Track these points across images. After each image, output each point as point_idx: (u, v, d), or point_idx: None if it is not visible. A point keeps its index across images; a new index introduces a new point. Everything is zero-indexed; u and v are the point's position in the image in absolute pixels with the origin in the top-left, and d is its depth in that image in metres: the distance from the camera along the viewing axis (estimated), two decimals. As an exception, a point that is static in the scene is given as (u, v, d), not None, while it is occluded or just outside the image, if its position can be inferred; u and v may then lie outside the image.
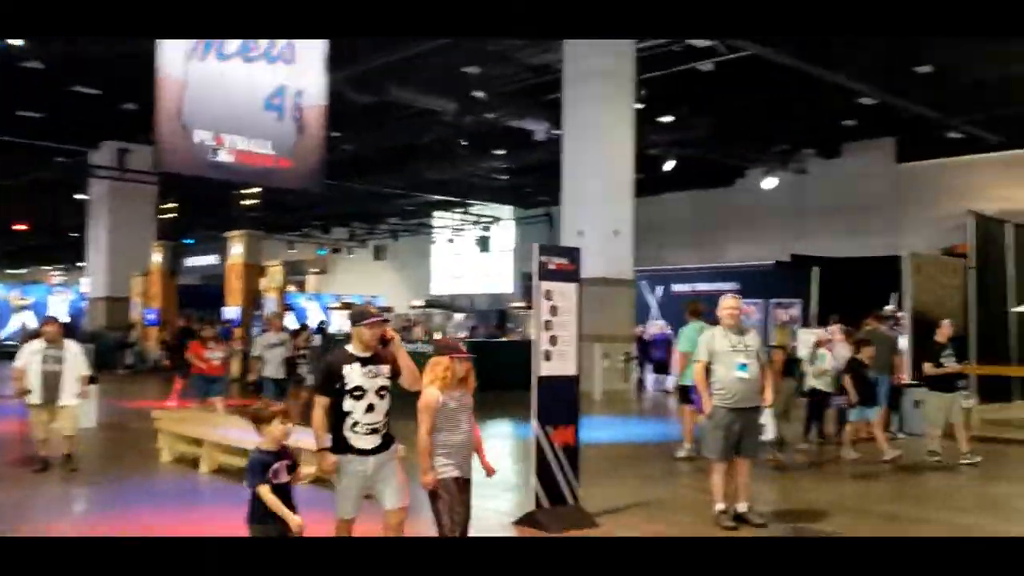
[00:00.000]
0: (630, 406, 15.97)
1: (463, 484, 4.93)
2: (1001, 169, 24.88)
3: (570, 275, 7.04)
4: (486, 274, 38.24)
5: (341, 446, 4.74)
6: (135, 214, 27.62)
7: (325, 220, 36.60)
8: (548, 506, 6.76)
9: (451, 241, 36.69)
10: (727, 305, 6.87)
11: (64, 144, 25.20)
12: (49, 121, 22.90)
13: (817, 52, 16.61)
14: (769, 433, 9.87)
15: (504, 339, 22.46)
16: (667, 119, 21.28)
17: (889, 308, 14.11)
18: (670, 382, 16.53)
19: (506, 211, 36.42)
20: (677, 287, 18.60)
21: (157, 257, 26.42)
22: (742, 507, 6.92)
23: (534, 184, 31.11)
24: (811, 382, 11.47)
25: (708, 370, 6.79)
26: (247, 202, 22.16)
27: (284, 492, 4.43)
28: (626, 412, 15.13)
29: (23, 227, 36.77)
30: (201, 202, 29.79)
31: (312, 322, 22.70)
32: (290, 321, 22.06)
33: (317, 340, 15.66)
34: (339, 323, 29.82)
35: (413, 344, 19.28)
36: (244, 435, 8.94)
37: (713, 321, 10.87)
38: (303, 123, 12.89)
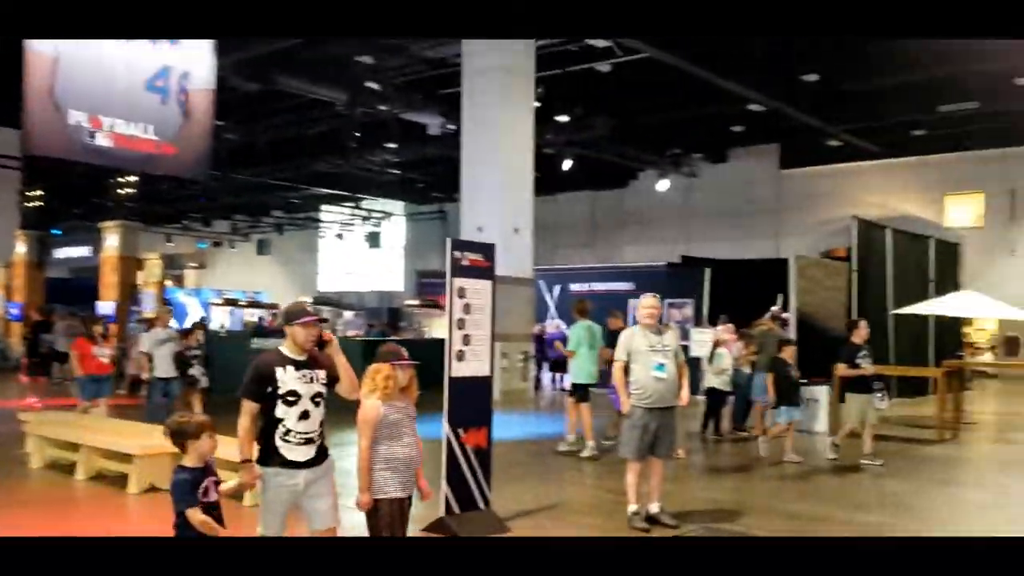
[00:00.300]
0: (529, 405, 15.84)
1: (406, 504, 4.58)
2: (879, 177, 26.10)
3: (484, 272, 6.78)
4: (376, 271, 37.55)
5: (269, 456, 4.30)
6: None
7: (206, 212, 35.03)
8: (458, 511, 6.48)
9: (340, 237, 35.82)
10: (646, 304, 6.75)
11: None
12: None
13: (710, 57, 16.89)
14: None
15: (397, 338, 21.99)
16: (563, 118, 21.28)
17: (774, 309, 14.44)
18: (567, 380, 16.50)
19: (398, 207, 35.85)
20: (575, 286, 18.58)
21: (21, 247, 24.68)
22: (654, 508, 6.82)
23: (427, 180, 30.68)
24: (710, 381, 11.63)
25: (626, 369, 6.66)
26: (123, 191, 20.91)
27: (214, 510, 4.01)
28: (525, 410, 14.99)
29: None
30: (71, 190, 28.00)
31: (192, 319, 21.66)
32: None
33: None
34: (220, 320, 28.67)
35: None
36: (124, 439, 8.33)
37: (598, 320, 11.07)
38: (189, 108, 12.09)
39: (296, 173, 27.51)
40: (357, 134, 20.01)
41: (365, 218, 34.60)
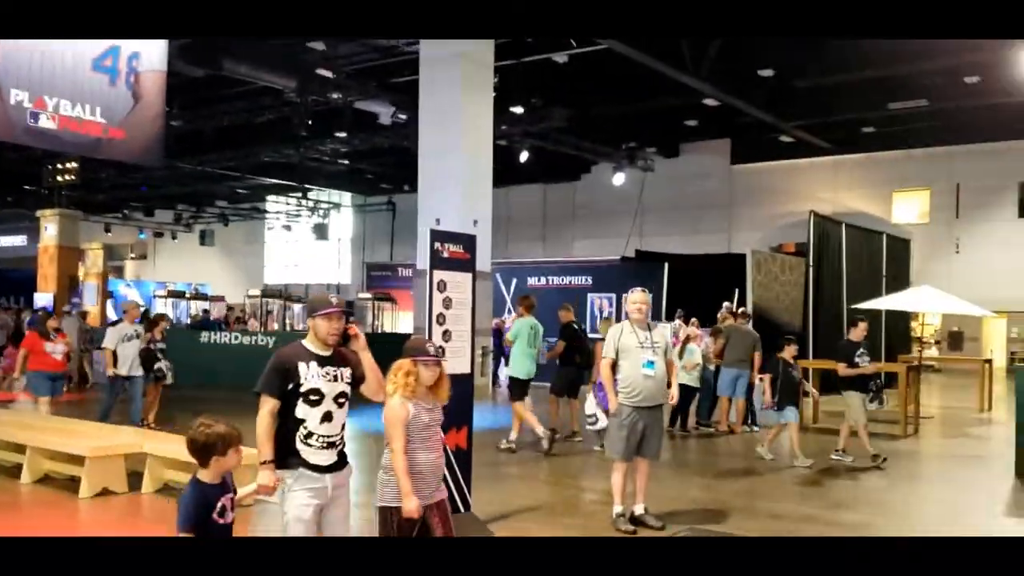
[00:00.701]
0: (488, 401, 15.59)
1: (436, 509, 4.22)
2: (828, 173, 26.44)
3: (465, 264, 6.49)
4: (323, 264, 36.89)
5: (289, 459, 3.92)
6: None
7: (148, 201, 34.03)
8: (438, 515, 6.19)
9: (287, 228, 35.08)
10: (635, 300, 6.53)
11: None
12: None
13: (667, 50, 16.82)
14: (600, 423, 9.78)
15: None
16: (519, 110, 21.03)
17: (727, 304, 14.46)
18: (502, 373, 16.32)
19: (346, 198, 35.25)
20: (532, 280, 18.37)
21: None
22: (639, 509, 6.63)
23: (377, 170, 30.18)
24: (680, 377, 11.50)
25: (614, 367, 6.44)
26: (61, 178, 19.99)
27: (227, 532, 3.56)
28: (485, 406, 14.73)
29: None
30: (2, 176, 26.88)
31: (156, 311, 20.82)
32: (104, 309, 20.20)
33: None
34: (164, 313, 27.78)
35: (253, 335, 18.10)
36: (75, 440, 7.84)
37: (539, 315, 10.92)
38: (139, 90, 11.47)
39: (243, 162, 26.79)
40: (309, 122, 19.42)
41: (312, 209, 33.93)
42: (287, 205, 34.85)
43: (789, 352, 9.55)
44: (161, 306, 26.24)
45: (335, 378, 4.00)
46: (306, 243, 35.28)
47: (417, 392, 4.19)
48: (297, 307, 24.47)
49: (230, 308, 24.03)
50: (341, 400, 4.02)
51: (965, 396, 17.02)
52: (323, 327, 3.98)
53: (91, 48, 10.73)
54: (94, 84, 10.86)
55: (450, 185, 16.61)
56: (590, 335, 10.78)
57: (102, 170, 24.75)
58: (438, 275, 6.29)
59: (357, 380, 4.09)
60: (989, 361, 16.41)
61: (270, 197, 35.30)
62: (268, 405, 3.91)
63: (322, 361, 3.98)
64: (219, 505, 3.50)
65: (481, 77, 16.96)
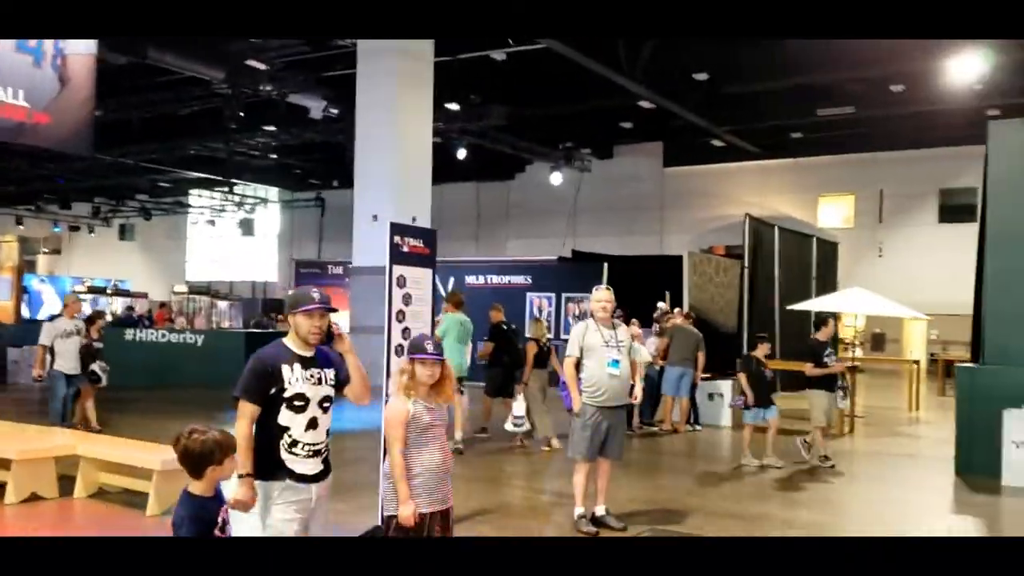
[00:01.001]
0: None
1: (436, 519, 3.98)
2: (757, 177, 26.94)
3: (426, 259, 6.29)
4: (248, 260, 35.97)
5: (273, 470, 3.62)
6: None
7: (63, 194, 32.62)
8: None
9: (212, 223, 34.10)
10: (599, 298, 6.40)
11: None
12: None
13: (604, 50, 16.85)
14: (524, 426, 9.77)
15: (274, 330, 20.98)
16: (455, 106, 20.83)
17: (662, 305, 14.55)
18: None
19: (272, 193, 34.45)
20: (470, 279, 18.19)
21: None
22: (600, 510, 6.53)
23: (306, 165, 29.58)
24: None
25: (578, 366, 6.32)
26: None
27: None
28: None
29: None
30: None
31: (49, 309, 19.93)
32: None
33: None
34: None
35: (181, 333, 17.46)
36: (11, 443, 7.33)
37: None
38: (66, 73, 10.88)
39: (167, 155, 25.92)
40: (241, 114, 18.85)
41: (238, 204, 33.07)
42: (212, 200, 33.88)
43: (762, 350, 9.57)
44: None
45: (319, 380, 3.73)
46: (231, 239, 34.34)
47: (418, 391, 3.97)
48: (223, 304, 23.76)
49: (163, 304, 23.15)
50: (325, 404, 3.75)
51: (891, 396, 17.51)
52: (304, 324, 3.70)
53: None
54: (17, 65, 10.25)
55: (387, 181, 16.35)
56: (527, 336, 10.67)
57: (11, 159, 23.62)
58: (398, 270, 6.08)
59: (341, 382, 3.82)
60: (917, 362, 16.89)
61: (194, 191, 34.28)
62: (248, 412, 3.60)
63: (305, 363, 3.70)
64: (219, 520, 3.23)
65: (420, 72, 16.75)
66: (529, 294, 17.73)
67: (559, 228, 27.57)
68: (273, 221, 35.62)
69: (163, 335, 17.29)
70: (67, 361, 9.48)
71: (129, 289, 28.36)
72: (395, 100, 16.30)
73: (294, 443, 3.66)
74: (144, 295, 27.20)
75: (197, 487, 3.23)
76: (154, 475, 6.72)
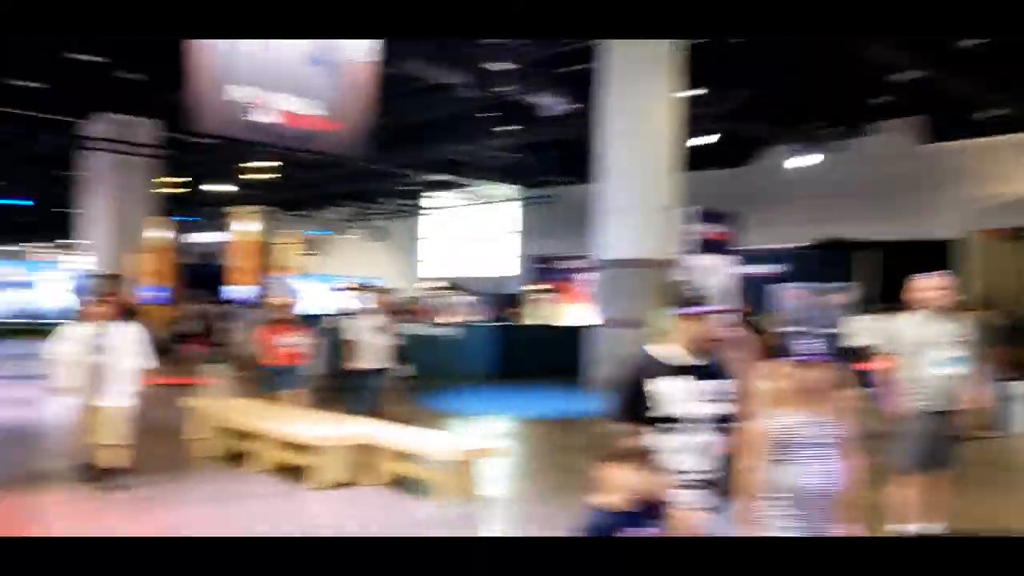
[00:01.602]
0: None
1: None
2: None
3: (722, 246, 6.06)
4: (488, 257, 37.19)
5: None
6: (134, 188, 25.77)
7: (321, 198, 35.31)
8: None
9: (450, 221, 35.55)
10: (933, 285, 5.83)
11: (57, 115, 23.60)
12: (42, 91, 21.39)
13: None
14: None
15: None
16: (695, 92, 20.24)
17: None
18: None
19: (510, 191, 35.36)
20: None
21: (161, 233, 24.69)
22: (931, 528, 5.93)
23: (541, 163, 30.10)
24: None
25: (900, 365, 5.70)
26: (253, 176, 20.85)
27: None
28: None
29: (24, 202, 34.80)
30: (203, 176, 28.51)
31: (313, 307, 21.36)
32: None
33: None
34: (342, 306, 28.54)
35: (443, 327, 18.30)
36: (315, 429, 7.81)
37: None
38: (353, 81, 11.54)
39: (413, 158, 27.27)
40: (489, 115, 19.44)
41: (477, 203, 34.25)
42: (451, 199, 35.31)
43: None
44: (342, 300, 27.12)
45: (713, 396, 3.36)
46: (468, 237, 35.65)
47: (795, 401, 3.48)
48: (468, 299, 24.82)
49: (415, 299, 24.45)
50: (724, 425, 3.39)
51: None
52: (692, 329, 3.33)
53: (307, 42, 10.84)
54: (311, 77, 11.00)
55: (632, 172, 16.12)
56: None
57: (287, 168, 25.74)
58: (691, 260, 5.89)
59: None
60: None
61: (432, 192, 35.90)
62: (630, 434, 3.34)
63: (692, 373, 3.36)
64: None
65: (660, 59, 16.41)
66: (780, 284, 16.90)
67: (803, 214, 26.12)
68: (511, 218, 36.59)
69: (427, 328, 18.27)
70: (375, 356, 9.64)
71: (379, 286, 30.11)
72: (637, 88, 16.12)
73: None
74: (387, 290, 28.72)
75: (611, 501, 3.21)
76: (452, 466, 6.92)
